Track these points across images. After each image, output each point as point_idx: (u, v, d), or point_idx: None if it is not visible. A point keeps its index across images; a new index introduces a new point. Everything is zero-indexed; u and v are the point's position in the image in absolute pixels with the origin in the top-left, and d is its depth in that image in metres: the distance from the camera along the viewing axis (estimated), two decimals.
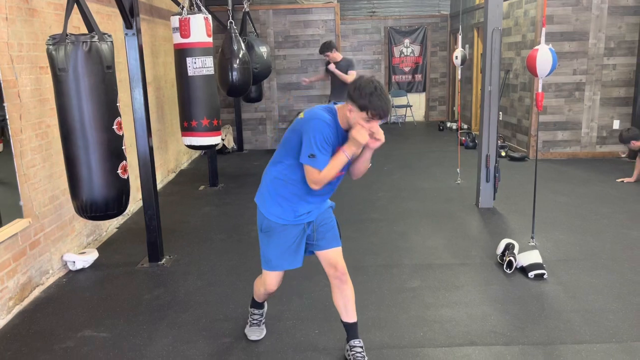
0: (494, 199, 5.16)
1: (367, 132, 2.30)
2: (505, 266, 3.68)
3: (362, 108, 2.26)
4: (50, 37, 2.89)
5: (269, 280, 2.65)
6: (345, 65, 6.65)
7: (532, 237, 4.15)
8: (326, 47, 6.58)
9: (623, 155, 6.84)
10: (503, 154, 7.31)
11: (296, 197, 2.50)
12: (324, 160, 2.33)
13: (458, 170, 6.23)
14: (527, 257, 3.68)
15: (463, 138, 8.34)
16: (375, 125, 2.31)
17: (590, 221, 4.70)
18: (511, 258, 3.66)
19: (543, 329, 2.93)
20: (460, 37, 7.09)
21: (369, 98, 2.24)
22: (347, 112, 2.32)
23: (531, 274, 3.56)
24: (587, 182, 6.07)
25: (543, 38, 3.91)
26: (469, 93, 10.00)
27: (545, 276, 3.55)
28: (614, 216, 4.81)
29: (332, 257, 2.57)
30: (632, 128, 6.11)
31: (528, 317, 3.06)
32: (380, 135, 2.32)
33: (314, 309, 3.22)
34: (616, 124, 7.23)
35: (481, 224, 4.77)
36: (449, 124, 10.53)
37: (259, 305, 2.94)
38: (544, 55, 3.84)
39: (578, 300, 3.26)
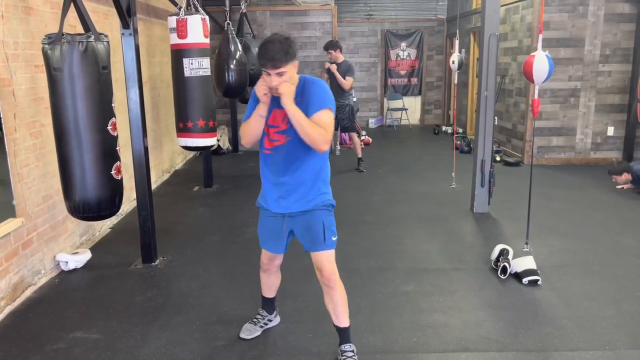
0: (489, 203, 5.17)
1: (263, 84, 2.34)
2: (499, 272, 3.68)
3: (259, 63, 2.34)
4: (46, 36, 2.87)
5: (262, 256, 2.82)
6: (344, 69, 6.66)
7: (527, 243, 4.16)
8: (330, 45, 6.65)
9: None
10: (498, 158, 7.32)
11: (264, 175, 2.61)
12: (246, 116, 2.52)
13: (453, 174, 6.24)
14: (522, 263, 3.68)
15: (458, 142, 8.35)
16: (275, 78, 2.29)
17: (584, 227, 4.72)
18: (505, 264, 3.66)
19: (537, 335, 2.93)
20: (457, 42, 7.10)
21: (259, 51, 2.30)
22: None
23: (525, 280, 3.56)
24: (581, 188, 6.10)
25: (540, 44, 3.92)
26: (464, 97, 10.02)
27: (539, 282, 3.56)
28: (607, 223, 4.83)
29: (317, 261, 2.57)
30: (623, 161, 6.07)
31: (522, 324, 3.06)
32: (281, 88, 2.30)
33: (307, 312, 3.21)
34: (611, 131, 7.27)
35: (476, 228, 4.78)
36: (444, 128, 10.55)
37: (267, 308, 2.99)
38: (540, 62, 3.85)
39: (572, 306, 3.26)
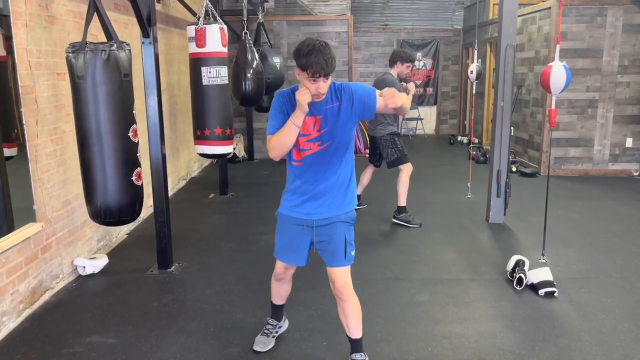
0: (505, 214, 5.14)
1: (307, 92, 2.26)
2: (515, 283, 3.65)
3: (302, 68, 2.26)
4: (70, 44, 2.93)
5: (276, 266, 2.76)
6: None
7: (543, 254, 4.12)
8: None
9: (635, 174, 6.78)
10: (514, 169, 7.28)
11: (294, 184, 2.54)
12: (272, 126, 2.41)
13: (469, 184, 6.21)
14: (538, 274, 3.65)
15: (474, 152, 8.32)
16: (322, 85, 2.28)
17: (602, 239, 4.66)
18: (521, 275, 3.63)
19: (553, 348, 2.90)
20: (475, 52, 7.09)
21: (307, 56, 2.23)
22: (297, 76, 2.34)
23: (542, 291, 3.53)
24: (599, 199, 6.03)
25: (557, 55, 3.91)
26: (480, 107, 9.99)
27: (555, 294, 3.52)
28: (626, 235, 4.77)
29: (332, 274, 2.55)
30: None
31: (538, 336, 3.03)
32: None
33: (322, 320, 3.21)
34: (629, 142, 7.18)
35: (491, 239, 4.74)
36: (459, 138, 10.51)
37: (277, 316, 2.98)
38: (558, 72, 3.83)
39: (589, 319, 3.22)
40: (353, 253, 2.56)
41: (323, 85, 2.29)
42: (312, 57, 2.21)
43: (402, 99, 2.34)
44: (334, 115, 2.39)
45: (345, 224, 2.53)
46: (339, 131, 2.41)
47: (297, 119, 2.32)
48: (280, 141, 2.37)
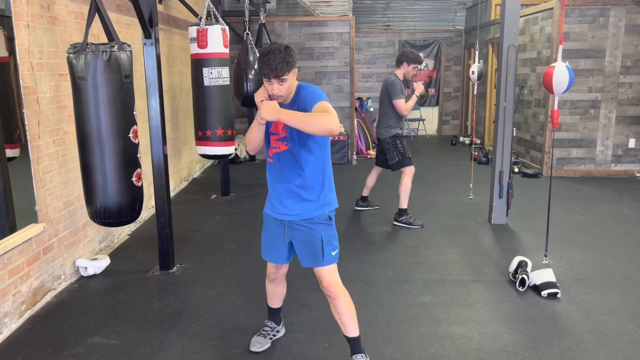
0: (507, 215, 5.12)
1: (264, 92, 2.37)
2: (517, 284, 3.64)
3: (261, 72, 2.37)
4: (71, 45, 2.93)
5: (267, 266, 2.81)
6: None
7: (546, 255, 4.11)
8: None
9: (638, 175, 6.77)
10: (516, 170, 7.26)
11: (268, 181, 2.63)
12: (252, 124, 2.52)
13: (470, 185, 6.20)
14: (541, 275, 3.63)
15: (476, 153, 8.30)
16: (276, 86, 2.34)
17: (605, 240, 4.64)
18: (524, 276, 3.62)
19: (556, 349, 2.89)
20: (477, 53, 7.08)
21: (261, 58, 2.35)
22: None
23: (544, 292, 3.51)
24: (602, 200, 6.01)
25: (560, 55, 3.90)
26: (482, 108, 9.97)
27: (558, 295, 3.51)
28: (629, 235, 4.75)
29: (317, 273, 2.58)
30: None
31: (541, 337, 3.02)
32: (262, 109, 2.31)
33: (323, 321, 3.20)
34: (632, 143, 7.16)
35: (493, 240, 4.73)
36: (461, 139, 10.50)
37: (275, 319, 2.99)
38: (560, 73, 3.83)
39: (592, 320, 3.21)
40: (334, 253, 2.57)
41: (277, 87, 2.35)
42: (264, 59, 2.32)
43: (317, 121, 2.27)
44: None
45: (321, 225, 2.54)
46: (295, 133, 2.44)
47: (258, 115, 2.41)
48: (249, 136, 2.52)
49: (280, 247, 2.65)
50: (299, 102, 2.44)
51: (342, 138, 8.37)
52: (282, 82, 2.34)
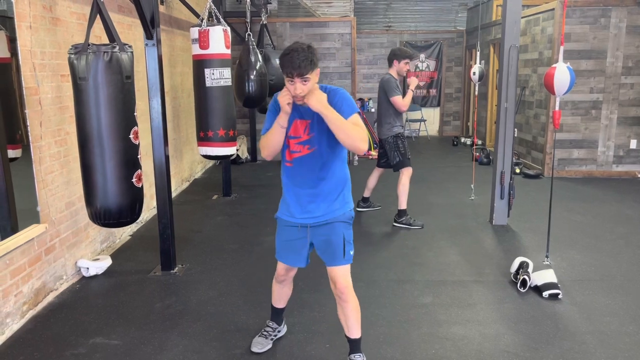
0: (508, 216, 5.12)
1: (287, 94, 2.31)
2: (519, 285, 3.64)
3: (280, 68, 2.32)
4: (72, 46, 2.94)
5: (277, 267, 2.78)
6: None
7: (547, 256, 4.11)
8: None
9: None
10: (517, 171, 7.26)
11: (286, 186, 2.57)
12: (265, 127, 2.50)
13: (472, 186, 6.20)
14: (542, 276, 3.63)
15: (477, 154, 8.30)
16: (299, 86, 2.28)
17: (606, 241, 4.64)
18: (525, 277, 3.62)
19: (557, 350, 2.89)
20: (478, 53, 7.09)
21: (283, 57, 2.29)
22: None
23: (545, 293, 3.51)
24: (603, 201, 6.01)
25: (561, 56, 3.90)
26: (484, 109, 9.97)
27: (560, 296, 3.51)
28: (630, 236, 4.75)
29: (332, 274, 2.56)
30: None
31: (542, 338, 3.02)
32: (310, 97, 2.27)
33: (325, 322, 3.21)
34: (633, 144, 7.16)
35: (495, 241, 4.73)
36: (462, 139, 10.50)
37: (277, 320, 2.99)
38: (562, 74, 3.83)
39: (593, 321, 3.21)
40: (352, 253, 2.57)
41: (300, 87, 2.28)
42: (286, 58, 2.26)
43: (354, 134, 2.30)
44: (321, 120, 2.37)
45: (343, 223, 2.54)
46: (325, 135, 2.42)
47: (281, 120, 2.37)
48: (268, 141, 2.45)
49: (302, 250, 2.61)
50: (332, 104, 2.36)
51: None
52: (305, 81, 2.28)
